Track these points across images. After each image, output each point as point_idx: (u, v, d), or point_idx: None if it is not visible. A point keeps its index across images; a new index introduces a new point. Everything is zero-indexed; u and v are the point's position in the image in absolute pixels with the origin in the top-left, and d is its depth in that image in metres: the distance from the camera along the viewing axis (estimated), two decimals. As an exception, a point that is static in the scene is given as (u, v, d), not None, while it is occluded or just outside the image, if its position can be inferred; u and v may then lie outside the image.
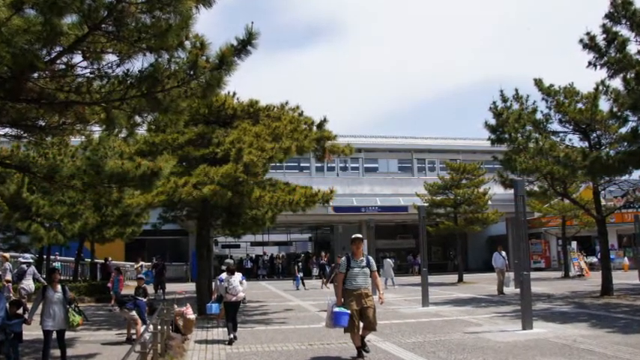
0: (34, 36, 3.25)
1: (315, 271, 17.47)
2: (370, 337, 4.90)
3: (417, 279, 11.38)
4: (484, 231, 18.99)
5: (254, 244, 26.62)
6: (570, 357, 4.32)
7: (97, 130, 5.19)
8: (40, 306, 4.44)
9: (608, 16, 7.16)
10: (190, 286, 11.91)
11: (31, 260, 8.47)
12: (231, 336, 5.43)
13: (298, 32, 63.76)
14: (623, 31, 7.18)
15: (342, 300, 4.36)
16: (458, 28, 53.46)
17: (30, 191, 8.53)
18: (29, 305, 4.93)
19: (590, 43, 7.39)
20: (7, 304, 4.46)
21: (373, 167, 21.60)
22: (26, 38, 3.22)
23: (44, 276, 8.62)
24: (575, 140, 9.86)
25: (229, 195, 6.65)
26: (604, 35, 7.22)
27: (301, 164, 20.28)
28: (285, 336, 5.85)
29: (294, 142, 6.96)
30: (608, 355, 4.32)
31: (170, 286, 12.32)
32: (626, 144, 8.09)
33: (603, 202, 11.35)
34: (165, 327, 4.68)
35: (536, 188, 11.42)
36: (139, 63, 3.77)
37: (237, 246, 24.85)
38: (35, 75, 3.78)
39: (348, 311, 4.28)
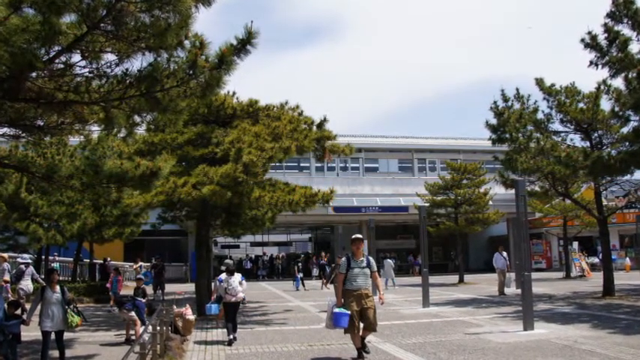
0: (33, 35, 3.24)
1: (315, 271, 17.45)
2: (370, 338, 4.88)
3: (418, 279, 11.36)
4: (485, 231, 19.00)
5: (254, 244, 26.68)
6: (572, 358, 4.29)
7: (95, 130, 5.16)
8: (39, 307, 4.42)
9: (609, 15, 7.14)
10: (190, 287, 12.00)
11: (29, 261, 8.46)
12: (231, 337, 5.42)
13: (298, 31, 63.92)
14: (625, 30, 7.17)
15: (342, 300, 4.34)
16: (458, 28, 53.54)
17: (28, 191, 8.54)
18: (28, 306, 4.89)
19: (591, 43, 7.37)
20: (6, 305, 4.45)
21: (373, 167, 21.58)
22: (25, 37, 3.21)
23: (43, 276, 8.65)
24: (576, 140, 9.86)
25: (229, 195, 6.63)
26: (605, 34, 7.20)
27: (301, 164, 20.25)
28: (284, 337, 5.83)
29: (293, 142, 6.94)
30: (609, 356, 4.30)
31: (169, 287, 12.37)
32: (627, 144, 8.06)
33: (605, 203, 11.27)
34: (164, 328, 4.66)
35: (537, 188, 11.38)
36: (138, 62, 3.76)
37: (237, 246, 24.88)
38: (34, 74, 3.77)
39: (349, 312, 4.27)
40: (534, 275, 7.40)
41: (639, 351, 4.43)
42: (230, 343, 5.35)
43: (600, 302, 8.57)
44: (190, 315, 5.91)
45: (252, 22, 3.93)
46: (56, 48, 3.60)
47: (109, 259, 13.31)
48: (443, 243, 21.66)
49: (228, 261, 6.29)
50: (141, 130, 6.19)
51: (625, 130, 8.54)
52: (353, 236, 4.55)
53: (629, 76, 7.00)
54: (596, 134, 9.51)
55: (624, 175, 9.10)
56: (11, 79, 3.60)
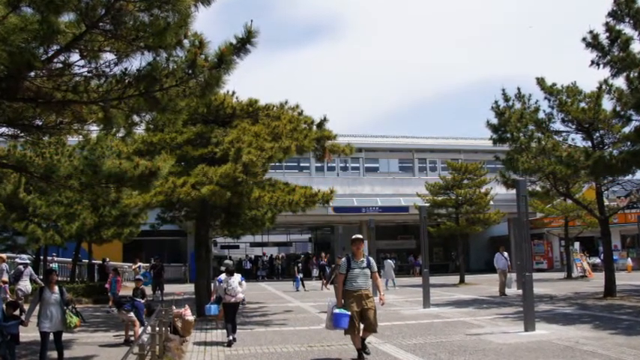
0: (31, 34, 3.23)
1: (315, 272, 17.44)
2: (371, 339, 4.85)
3: (418, 280, 11.34)
4: (486, 231, 18.95)
5: (253, 244, 26.63)
6: (573, 359, 4.26)
7: (94, 130, 5.13)
8: (37, 307, 4.41)
9: (611, 14, 7.11)
10: (189, 287, 11.86)
11: (28, 261, 8.43)
12: (230, 337, 5.39)
13: (298, 30, 63.83)
14: (627, 29, 7.14)
15: (343, 301, 4.32)
16: (458, 28, 53.49)
17: (27, 191, 8.53)
18: (26, 306, 4.89)
19: (593, 42, 7.33)
20: (4, 306, 4.44)
21: (374, 167, 21.55)
22: (23, 37, 3.19)
23: (41, 277, 8.58)
24: (577, 140, 9.82)
25: (228, 195, 6.61)
26: (607, 34, 7.17)
27: (301, 164, 20.24)
28: (284, 337, 5.80)
29: (293, 142, 6.92)
30: (611, 357, 4.28)
31: (168, 287, 12.29)
32: (629, 143, 8.03)
33: (606, 203, 11.24)
34: (163, 328, 4.64)
35: (538, 188, 11.33)
36: (137, 62, 3.74)
37: (237, 247, 24.85)
38: (32, 74, 3.74)
39: (349, 313, 4.24)
40: (535, 276, 7.36)
41: (641, 352, 4.41)
42: (229, 344, 5.33)
43: (602, 303, 8.54)
44: (189, 316, 5.88)
45: (251, 21, 3.92)
46: (55, 47, 3.58)
47: (107, 259, 13.28)
48: (443, 243, 21.63)
49: (227, 261, 6.26)
50: (140, 130, 6.17)
51: (627, 129, 8.50)
52: (353, 236, 4.53)
53: (631, 75, 6.97)
54: (597, 134, 9.47)
55: (626, 175, 9.08)
56: (9, 78, 3.59)
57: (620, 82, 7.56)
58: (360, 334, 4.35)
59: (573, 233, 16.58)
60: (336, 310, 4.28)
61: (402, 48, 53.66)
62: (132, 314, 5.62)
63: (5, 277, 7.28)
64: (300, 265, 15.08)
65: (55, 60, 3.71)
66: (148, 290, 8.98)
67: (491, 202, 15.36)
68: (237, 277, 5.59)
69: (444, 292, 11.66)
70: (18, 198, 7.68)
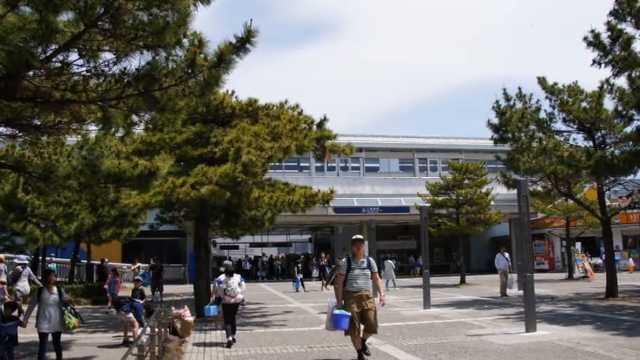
0: (30, 34, 3.21)
1: (315, 272, 17.39)
2: (371, 340, 4.83)
3: (419, 280, 11.30)
4: (487, 232, 18.85)
5: (253, 245, 26.55)
6: (575, 360, 4.24)
7: (93, 130, 5.12)
8: (36, 308, 4.40)
9: (612, 13, 7.09)
10: (188, 288, 11.85)
11: (26, 262, 8.41)
12: (230, 338, 5.37)
13: (298, 30, 63.73)
14: (628, 28, 7.12)
15: (343, 302, 4.30)
16: (459, 27, 53.45)
17: (25, 191, 8.50)
18: (24, 307, 4.89)
19: (594, 41, 7.30)
20: (2, 306, 4.42)
21: (374, 167, 21.50)
22: (21, 36, 3.17)
23: (40, 277, 8.55)
24: (579, 139, 9.78)
25: (228, 195, 6.58)
26: (608, 33, 7.14)
27: (301, 164, 20.20)
28: (284, 338, 5.78)
29: (293, 142, 6.90)
30: (612, 358, 4.25)
31: (168, 288, 12.30)
32: (631, 143, 8.01)
33: (608, 203, 11.18)
34: (162, 329, 4.62)
35: (539, 188, 11.30)
36: (136, 61, 3.72)
37: (236, 247, 24.79)
38: (30, 73, 3.72)
39: (349, 313, 4.22)
40: (536, 276, 7.32)
41: (644, 353, 4.38)
42: (229, 344, 5.31)
43: (603, 303, 8.51)
44: (189, 316, 5.86)
45: (251, 20, 3.89)
46: (53, 46, 3.57)
47: (106, 260, 13.23)
48: (444, 244, 21.59)
49: (227, 262, 6.23)
50: (139, 130, 6.17)
51: (628, 129, 8.48)
52: (353, 237, 4.51)
53: (633, 75, 6.94)
54: (599, 134, 9.42)
55: (627, 175, 9.06)
56: (8, 77, 3.57)
57: (621, 81, 7.56)
58: (361, 334, 4.33)
59: (575, 233, 16.51)
60: (336, 311, 4.26)
61: (402, 48, 53.70)
62: (131, 315, 5.60)
63: (3, 278, 7.26)
64: (299, 265, 15.05)
65: (54, 59, 3.69)
66: (147, 291, 8.98)
67: (492, 203, 15.31)
68: (236, 278, 5.57)
69: (444, 293, 11.62)
70: (16, 198, 7.67)
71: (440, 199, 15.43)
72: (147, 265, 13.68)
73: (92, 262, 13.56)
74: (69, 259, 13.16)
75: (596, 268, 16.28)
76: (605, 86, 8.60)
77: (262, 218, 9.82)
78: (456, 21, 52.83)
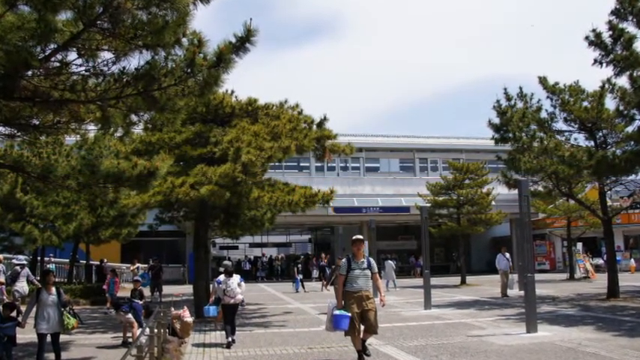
0: (28, 33, 3.19)
1: (315, 273, 17.38)
2: (371, 341, 4.80)
3: (419, 281, 11.39)
4: (487, 232, 18.82)
5: (253, 245, 26.51)
6: (577, 362, 4.22)
7: (92, 129, 5.12)
8: (34, 308, 4.38)
9: (614, 12, 7.06)
10: (187, 289, 11.84)
11: (24, 262, 8.41)
12: (229, 339, 5.35)
13: (298, 29, 63.67)
14: (630, 28, 7.11)
15: (343, 302, 4.28)
16: (459, 26, 53.40)
17: (24, 191, 8.45)
18: (23, 308, 4.83)
19: (595, 40, 7.28)
20: (1, 307, 4.40)
21: (374, 167, 21.47)
22: (20, 35, 3.16)
23: (38, 278, 8.52)
24: (580, 139, 9.75)
25: (227, 195, 6.56)
26: (610, 32, 7.12)
27: (301, 164, 20.18)
28: (284, 339, 5.76)
29: (293, 141, 6.87)
30: (614, 359, 4.23)
31: (167, 289, 12.26)
32: (632, 143, 7.98)
33: (609, 203, 11.17)
34: (161, 330, 4.60)
35: (540, 188, 11.26)
36: (135, 60, 3.70)
37: (236, 247, 24.77)
38: (29, 73, 3.70)
39: (349, 314, 4.20)
40: (537, 277, 7.31)
41: (646, 354, 4.36)
42: (229, 345, 5.29)
43: (605, 304, 8.48)
44: (188, 317, 5.84)
45: (250, 19, 3.88)
46: (52, 46, 3.55)
47: (105, 260, 13.21)
48: (445, 244, 21.55)
49: (226, 262, 6.20)
50: (138, 130, 6.15)
51: (630, 129, 8.46)
52: (353, 237, 4.48)
53: (634, 74, 6.92)
54: (600, 133, 9.39)
55: (629, 175, 9.03)
56: (6, 77, 3.55)
57: (623, 81, 7.52)
58: (361, 335, 4.31)
59: (576, 234, 16.46)
60: (337, 312, 4.24)
61: (402, 47, 53.63)
62: (130, 315, 5.58)
63: (2, 278, 7.25)
64: (299, 266, 15.04)
65: (53, 59, 3.67)
66: (146, 291, 8.94)
67: (493, 203, 15.28)
68: (236, 278, 5.55)
69: (445, 294, 11.59)
70: (15, 198, 7.65)
71: (440, 199, 15.40)
72: (146, 265, 13.62)
73: (91, 262, 13.54)
74: (68, 260, 13.15)
75: (597, 268, 16.23)
76: (606, 86, 8.57)
77: (262, 218, 9.80)
78: (456, 21, 52.87)
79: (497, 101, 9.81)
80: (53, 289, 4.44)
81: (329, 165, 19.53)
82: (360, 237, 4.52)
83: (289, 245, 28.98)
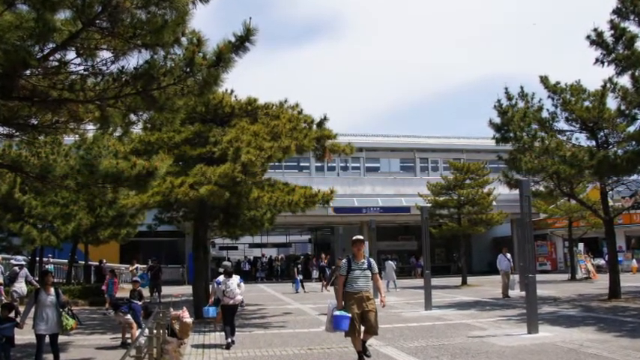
0: (27, 32, 3.18)
1: (315, 273, 17.35)
2: (371, 342, 4.78)
3: (420, 282, 11.38)
4: (488, 232, 18.78)
5: (252, 245, 26.49)
6: (579, 363, 4.19)
7: (91, 129, 5.09)
8: (33, 309, 4.37)
9: (615, 11, 7.04)
10: (187, 289, 11.84)
11: (23, 262, 8.45)
12: (229, 340, 5.33)
13: (298, 29, 63.59)
14: (632, 27, 7.08)
15: (343, 303, 4.25)
16: (459, 26, 53.38)
17: (22, 191, 8.42)
18: (21, 308, 4.83)
19: (597, 40, 7.25)
20: (-1, 308, 4.37)
21: (375, 167, 21.43)
22: (18, 34, 3.15)
23: (37, 278, 8.50)
24: (582, 139, 9.69)
25: (227, 195, 6.54)
26: (612, 31, 7.09)
27: (301, 164, 20.15)
28: (284, 340, 5.73)
29: (293, 141, 6.85)
30: (616, 360, 4.19)
31: (166, 289, 12.25)
32: (634, 143, 7.94)
33: (611, 203, 11.13)
34: (161, 331, 4.58)
35: (542, 188, 11.23)
36: (134, 60, 3.69)
37: (235, 248, 24.73)
38: (27, 72, 3.69)
39: (349, 315, 4.18)
40: (539, 277, 7.31)
41: (648, 355, 4.32)
42: (228, 346, 5.27)
43: (606, 305, 8.44)
44: (187, 318, 5.82)
45: (250, 18, 3.86)
46: (50, 45, 3.54)
47: (104, 260, 13.20)
48: (445, 244, 21.49)
49: (226, 263, 6.18)
50: (137, 129, 6.13)
51: (631, 128, 8.43)
52: (354, 237, 4.46)
53: (636, 73, 6.89)
54: (602, 133, 9.34)
55: (631, 175, 9.00)
56: (4, 76, 3.54)
57: (624, 80, 7.48)
58: (361, 336, 4.28)
59: (577, 234, 16.44)
60: (337, 312, 4.22)
61: (402, 47, 53.57)
62: (129, 316, 5.57)
63: (0, 279, 7.22)
64: (299, 266, 14.99)
65: (51, 58, 3.66)
66: (146, 292, 8.90)
67: (494, 203, 15.23)
68: (235, 279, 5.53)
69: (445, 294, 11.56)
70: (13, 198, 7.61)
71: (441, 199, 15.35)
72: (145, 266, 13.54)
73: (90, 262, 13.52)
74: (66, 260, 13.12)
75: (598, 269, 16.18)
76: (608, 85, 8.53)
77: (262, 218, 9.78)
78: (456, 20, 52.81)
79: (498, 101, 9.78)
80: (52, 290, 4.43)
81: (329, 165, 19.49)
82: (361, 237, 4.50)
83: (289, 245, 28.94)
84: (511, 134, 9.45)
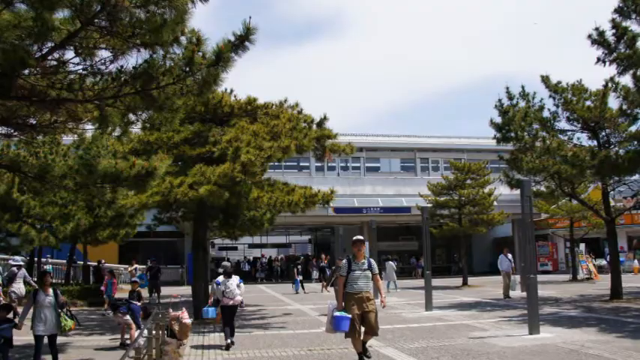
0: (25, 31, 3.17)
1: (315, 274, 17.35)
2: (372, 343, 4.77)
3: (420, 282, 11.30)
4: (489, 233, 18.80)
5: (252, 246, 26.53)
6: (580, 364, 4.16)
7: (89, 129, 5.09)
8: (31, 310, 4.35)
9: (617, 10, 7.00)
10: (186, 290, 11.83)
11: (21, 263, 8.38)
12: (229, 341, 5.31)
13: (298, 27, 63.66)
14: (633, 26, 7.05)
15: (343, 304, 4.24)
16: (461, 25, 53.34)
17: (20, 192, 8.37)
18: (20, 309, 4.81)
19: (598, 39, 7.23)
20: (-3, 308, 4.35)
21: (375, 167, 21.40)
22: (17, 34, 3.14)
23: (35, 279, 8.52)
24: (583, 139, 9.67)
25: (226, 195, 6.51)
26: (613, 30, 7.06)
27: (301, 164, 20.14)
28: (283, 341, 5.72)
29: (293, 141, 6.82)
30: (619, 361, 4.17)
31: (165, 290, 12.18)
32: (636, 142, 7.92)
33: (612, 203, 11.09)
34: (160, 332, 4.55)
35: (543, 188, 11.21)
36: (133, 59, 3.68)
37: (235, 248, 24.76)
38: (26, 72, 3.68)
39: (349, 315, 4.16)
40: (540, 278, 7.30)
41: (650, 357, 4.29)
42: (228, 347, 5.25)
43: (608, 305, 8.41)
44: (187, 319, 5.79)
45: (250, 17, 3.85)
46: (49, 44, 3.52)
47: (103, 261, 13.18)
48: (446, 245, 21.50)
49: (225, 263, 6.16)
50: (136, 129, 6.08)
51: (633, 128, 8.42)
52: (354, 238, 4.44)
53: (638, 73, 6.86)
54: (603, 133, 9.31)
55: (632, 175, 8.98)
56: (3, 76, 3.52)
57: (626, 79, 7.46)
58: (361, 337, 4.26)
59: (579, 234, 16.39)
60: (337, 313, 4.20)
61: (403, 46, 53.63)
62: (128, 317, 5.55)
63: (-1, 280, 7.19)
64: (299, 266, 14.92)
65: (50, 57, 3.64)
66: (145, 293, 8.89)
67: (495, 203, 15.19)
68: (235, 280, 5.51)
69: (446, 295, 11.53)
70: (11, 198, 7.59)
71: (442, 199, 15.32)
72: (144, 266, 13.50)
73: (88, 263, 13.48)
74: (65, 261, 13.07)
75: (600, 269, 16.18)
76: (609, 85, 8.49)
77: (261, 219, 9.76)
78: (457, 19, 52.82)
79: (499, 100, 9.74)
80: (50, 291, 4.42)
81: (329, 165, 19.48)
82: (361, 238, 4.48)
83: (289, 246, 28.95)
84: (512, 134, 9.41)
